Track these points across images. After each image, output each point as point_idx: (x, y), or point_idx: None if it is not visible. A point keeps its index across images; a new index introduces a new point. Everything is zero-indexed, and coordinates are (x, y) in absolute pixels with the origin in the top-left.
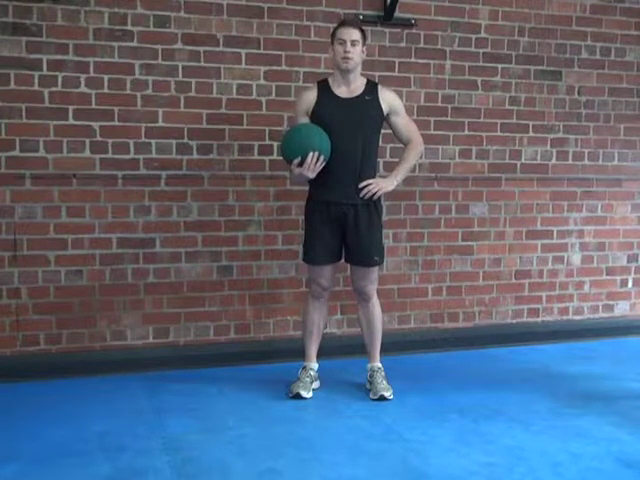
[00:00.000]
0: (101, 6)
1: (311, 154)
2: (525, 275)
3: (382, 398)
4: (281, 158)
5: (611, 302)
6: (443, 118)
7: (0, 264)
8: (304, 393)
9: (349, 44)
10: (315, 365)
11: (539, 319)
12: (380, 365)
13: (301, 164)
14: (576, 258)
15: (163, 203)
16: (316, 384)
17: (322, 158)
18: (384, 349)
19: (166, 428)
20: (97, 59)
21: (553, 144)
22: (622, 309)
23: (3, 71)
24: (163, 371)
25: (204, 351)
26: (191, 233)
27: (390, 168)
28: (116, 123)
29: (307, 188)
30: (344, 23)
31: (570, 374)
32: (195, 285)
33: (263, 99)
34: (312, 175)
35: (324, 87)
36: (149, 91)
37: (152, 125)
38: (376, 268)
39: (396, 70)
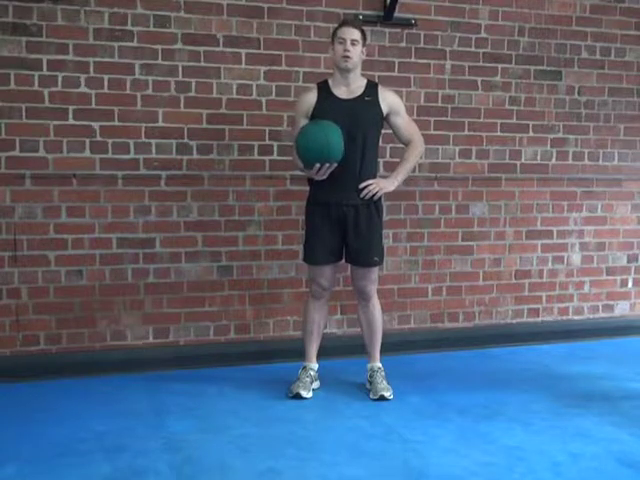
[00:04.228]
0: (101, 6)
1: (327, 165)
2: (525, 275)
3: (382, 398)
4: (281, 158)
5: (611, 302)
6: (443, 118)
7: (0, 264)
8: (304, 393)
9: (349, 43)
10: (315, 365)
11: (539, 319)
12: (380, 365)
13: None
14: (576, 258)
15: (163, 203)
16: (316, 384)
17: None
18: (384, 349)
19: (166, 428)
20: (97, 59)
21: (553, 144)
22: (622, 309)
23: (3, 71)
24: (163, 371)
25: (204, 351)
26: (191, 233)
27: (390, 168)
28: (116, 123)
29: (307, 188)
30: (344, 23)
31: (570, 374)
32: (195, 285)
33: (263, 99)
34: (322, 178)
35: (324, 88)
36: (149, 91)
37: (152, 125)
38: (376, 268)
39: (396, 70)
